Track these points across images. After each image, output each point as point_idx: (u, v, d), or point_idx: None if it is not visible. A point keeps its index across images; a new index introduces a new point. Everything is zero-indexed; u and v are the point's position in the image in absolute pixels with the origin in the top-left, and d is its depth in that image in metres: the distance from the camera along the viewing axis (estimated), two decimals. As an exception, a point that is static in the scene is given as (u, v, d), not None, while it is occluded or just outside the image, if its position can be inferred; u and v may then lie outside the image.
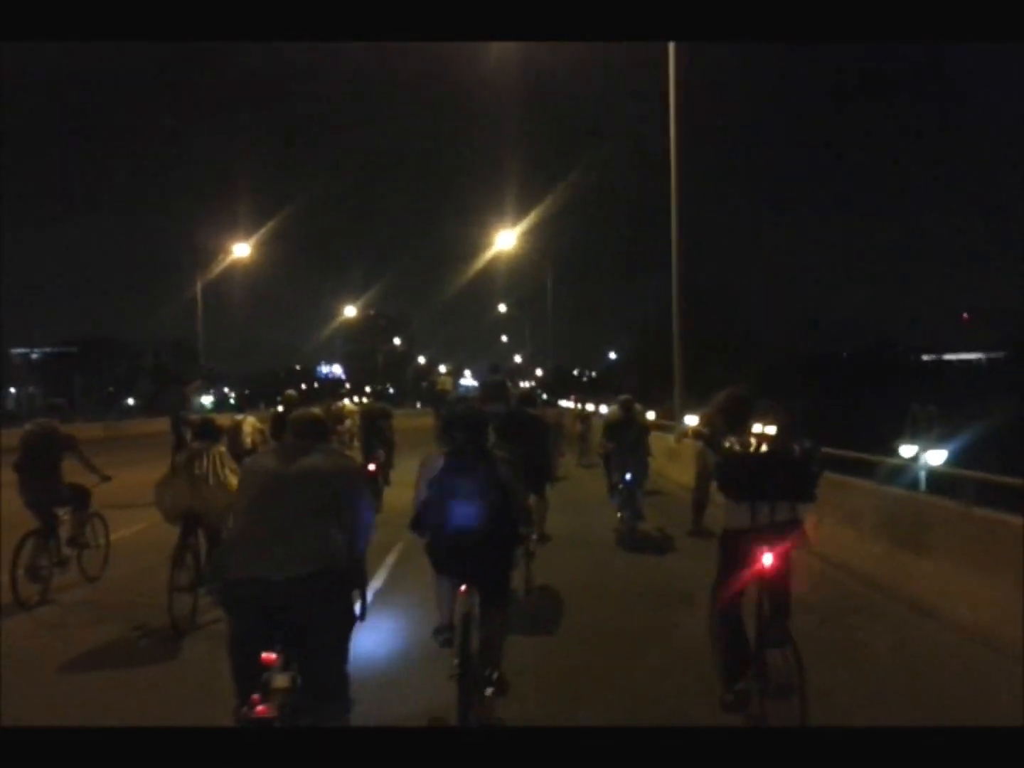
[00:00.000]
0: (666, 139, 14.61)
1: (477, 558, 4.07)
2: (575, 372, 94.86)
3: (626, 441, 9.41)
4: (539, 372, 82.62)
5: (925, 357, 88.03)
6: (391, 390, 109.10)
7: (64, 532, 7.28)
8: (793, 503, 4.18)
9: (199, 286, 36.10)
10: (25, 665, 5.38)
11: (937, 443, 19.49)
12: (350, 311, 58.84)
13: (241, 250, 36.67)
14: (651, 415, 15.02)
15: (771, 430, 4.20)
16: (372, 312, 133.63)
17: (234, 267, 37.24)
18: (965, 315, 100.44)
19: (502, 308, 63.57)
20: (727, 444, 4.25)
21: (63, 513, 7.27)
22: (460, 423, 4.31)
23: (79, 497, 7.33)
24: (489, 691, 3.98)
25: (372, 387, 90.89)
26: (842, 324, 77.16)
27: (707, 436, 4.80)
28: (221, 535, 6.08)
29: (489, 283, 70.16)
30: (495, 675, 4.07)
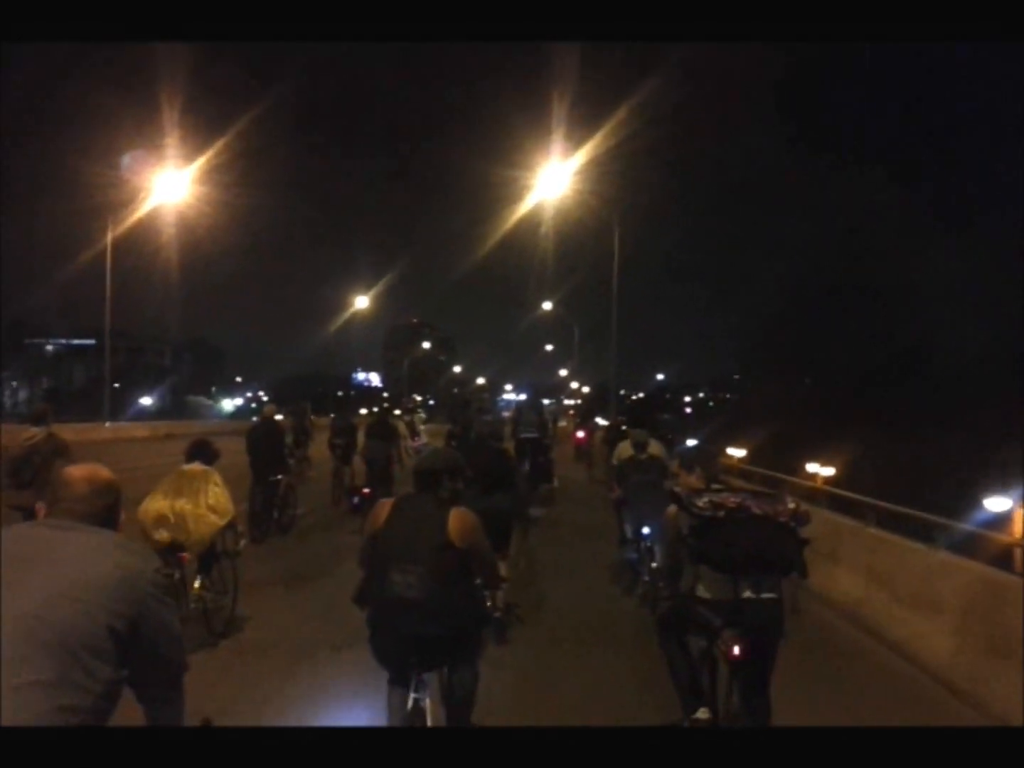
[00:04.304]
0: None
1: (426, 644, 3.39)
2: (622, 392, 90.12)
3: (640, 486, 8.07)
4: (586, 389, 78.50)
5: None
6: (431, 401, 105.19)
7: None
8: (779, 577, 3.78)
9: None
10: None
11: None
12: (362, 302, 53.43)
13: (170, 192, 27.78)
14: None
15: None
16: (415, 320, 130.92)
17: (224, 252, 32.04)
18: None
19: (547, 306, 57.14)
20: (702, 504, 3.82)
21: None
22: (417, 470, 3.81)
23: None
24: None
25: (411, 398, 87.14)
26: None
27: (680, 496, 4.05)
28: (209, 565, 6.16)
29: (534, 278, 64.79)
30: None
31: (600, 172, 23.94)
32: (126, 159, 26.58)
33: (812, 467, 30.75)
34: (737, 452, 24.99)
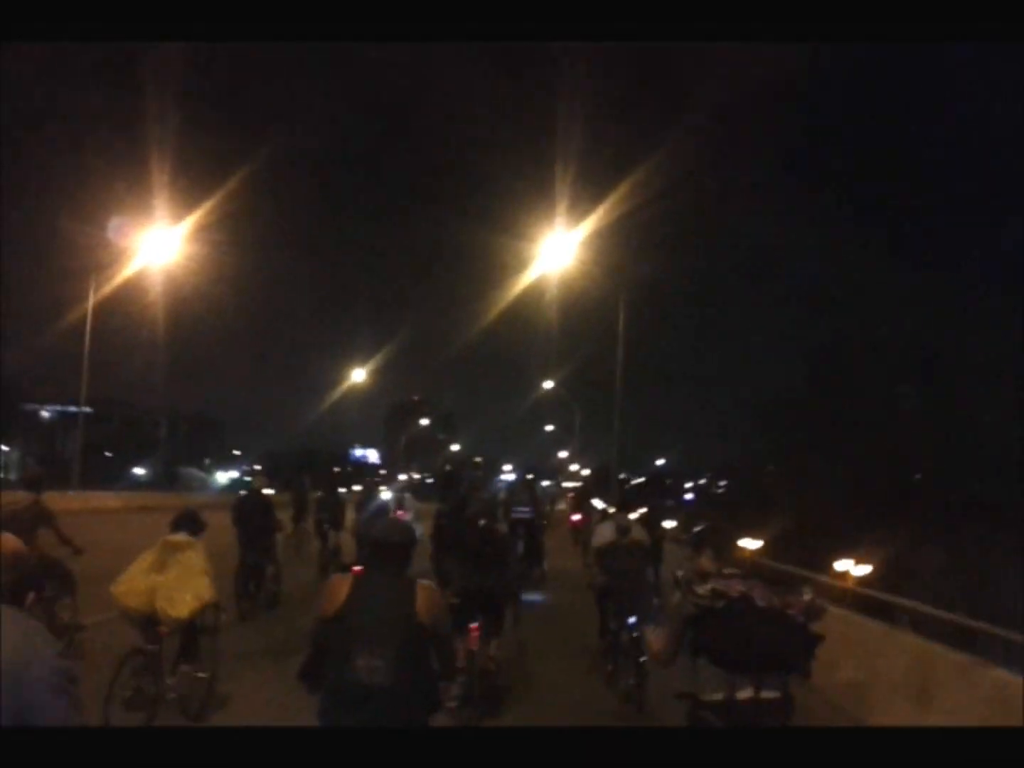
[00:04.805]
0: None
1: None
2: (622, 475, 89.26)
3: (623, 573, 7.82)
4: (586, 472, 77.67)
5: None
6: (428, 479, 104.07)
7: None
8: (784, 676, 3.48)
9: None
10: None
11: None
12: (359, 375, 53.32)
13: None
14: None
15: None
16: (416, 397, 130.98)
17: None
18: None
19: (548, 385, 56.99)
20: (702, 591, 3.57)
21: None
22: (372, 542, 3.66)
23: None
24: None
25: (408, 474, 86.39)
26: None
27: (684, 580, 3.96)
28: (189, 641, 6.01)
29: (535, 361, 64.57)
30: None
31: (605, 244, 23.89)
32: (114, 221, 26.11)
33: (842, 565, 25.78)
34: (752, 543, 23.27)
